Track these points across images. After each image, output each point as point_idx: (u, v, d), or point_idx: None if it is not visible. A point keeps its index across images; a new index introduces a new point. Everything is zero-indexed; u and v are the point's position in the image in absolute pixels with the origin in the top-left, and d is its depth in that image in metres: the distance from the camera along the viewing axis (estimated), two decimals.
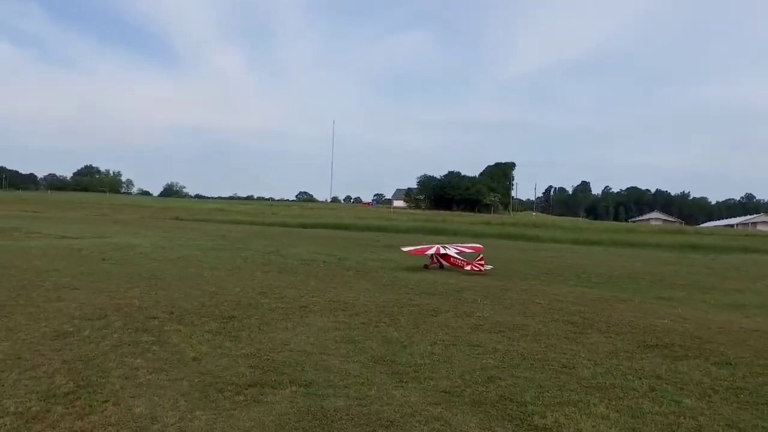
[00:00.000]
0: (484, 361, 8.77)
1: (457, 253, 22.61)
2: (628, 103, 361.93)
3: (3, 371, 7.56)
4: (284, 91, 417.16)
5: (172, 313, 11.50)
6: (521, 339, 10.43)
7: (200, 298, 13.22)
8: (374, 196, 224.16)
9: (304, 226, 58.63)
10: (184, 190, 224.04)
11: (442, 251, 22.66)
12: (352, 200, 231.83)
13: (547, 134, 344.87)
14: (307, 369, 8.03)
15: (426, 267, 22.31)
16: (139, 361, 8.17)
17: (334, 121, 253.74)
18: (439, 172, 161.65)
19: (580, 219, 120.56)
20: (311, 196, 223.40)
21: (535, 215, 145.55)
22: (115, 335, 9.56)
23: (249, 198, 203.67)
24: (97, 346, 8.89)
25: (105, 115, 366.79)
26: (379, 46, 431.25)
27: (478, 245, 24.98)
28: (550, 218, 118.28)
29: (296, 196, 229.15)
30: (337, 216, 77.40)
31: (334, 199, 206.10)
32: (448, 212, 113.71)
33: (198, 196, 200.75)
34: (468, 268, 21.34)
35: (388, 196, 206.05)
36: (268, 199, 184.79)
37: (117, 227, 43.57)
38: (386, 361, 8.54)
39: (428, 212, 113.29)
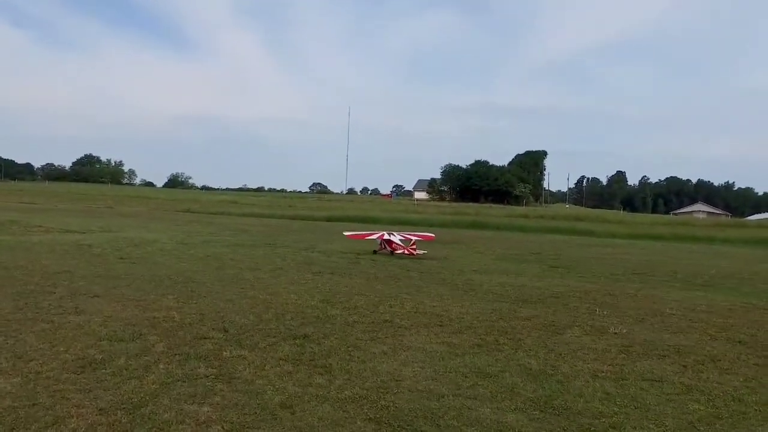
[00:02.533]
0: (689, 407, 6.52)
1: (400, 239, 23.92)
2: (667, 89, 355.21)
3: (14, 428, 5.44)
4: (297, 77, 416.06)
5: (226, 330, 9.35)
6: (703, 369, 8.15)
7: (254, 309, 11.07)
8: (393, 187, 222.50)
9: (329, 219, 56.49)
10: (190, 181, 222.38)
11: (386, 237, 24.07)
12: (369, 192, 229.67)
13: (579, 121, 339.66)
14: (453, 424, 5.80)
15: (375, 252, 23.50)
16: (205, 409, 5.99)
17: (349, 109, 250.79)
18: (463, 162, 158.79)
19: (621, 212, 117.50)
20: (326, 187, 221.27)
21: (568, 207, 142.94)
22: (160, 366, 7.41)
23: (259, 190, 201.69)
24: (140, 383, 6.74)
25: (106, 102, 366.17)
26: (399, 28, 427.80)
27: (430, 234, 27.46)
28: (586, 211, 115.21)
29: (310, 187, 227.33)
30: (360, 209, 75.27)
31: (351, 191, 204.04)
32: (477, 204, 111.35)
33: (205, 188, 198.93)
34: (400, 251, 22.94)
35: (408, 187, 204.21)
36: (280, 191, 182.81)
37: (125, 220, 41.66)
38: (554, 408, 6.32)
39: (455, 204, 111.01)
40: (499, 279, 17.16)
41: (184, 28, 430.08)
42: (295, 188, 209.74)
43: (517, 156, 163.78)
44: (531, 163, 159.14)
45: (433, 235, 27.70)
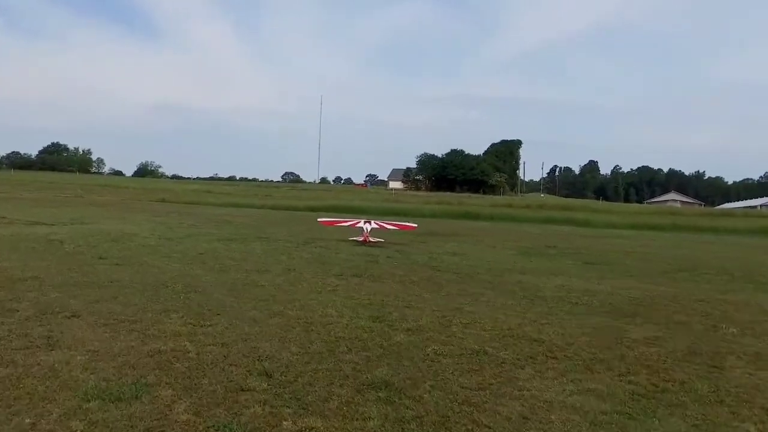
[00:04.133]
0: None
1: (370, 228, 23.05)
2: (639, 79, 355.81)
3: None
4: (269, 65, 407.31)
5: (269, 374, 6.39)
6: None
7: (291, 335, 8.11)
8: (366, 176, 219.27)
9: (312, 209, 53.37)
10: (160, 170, 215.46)
11: (359, 225, 23.64)
12: (342, 181, 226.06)
13: (552, 111, 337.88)
14: None
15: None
16: None
17: (321, 97, 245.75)
18: (437, 151, 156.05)
19: (600, 201, 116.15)
20: (298, 176, 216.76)
21: (543, 196, 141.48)
22: None
23: (231, 179, 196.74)
24: None
25: (73, 90, 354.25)
26: (374, 17, 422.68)
27: (412, 224, 26.34)
28: (570, 201, 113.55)
29: (282, 176, 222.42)
30: (342, 198, 72.23)
31: (323, 180, 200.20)
32: (454, 194, 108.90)
33: (175, 177, 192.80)
34: (357, 239, 22.32)
35: (382, 176, 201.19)
36: (252, 180, 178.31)
37: (97, 211, 38.11)
38: None
39: (432, 194, 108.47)
40: (552, 281, 14.44)
41: (152, 15, 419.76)
42: (267, 177, 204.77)
43: (493, 145, 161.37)
44: (506, 152, 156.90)
45: (415, 225, 26.44)
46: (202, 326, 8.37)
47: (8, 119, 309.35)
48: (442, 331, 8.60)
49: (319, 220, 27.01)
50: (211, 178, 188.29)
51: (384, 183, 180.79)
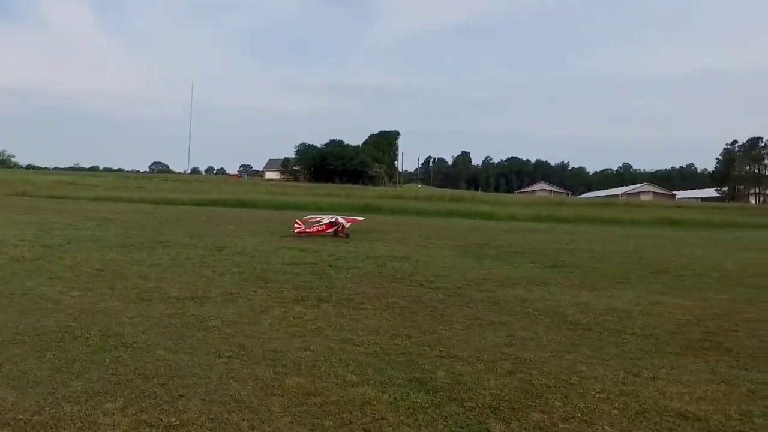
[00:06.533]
0: None
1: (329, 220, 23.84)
2: (509, 72, 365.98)
3: None
4: (135, 50, 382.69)
5: None
6: None
7: None
8: (241, 166, 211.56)
9: (198, 203, 48.59)
10: (13, 159, 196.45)
11: (325, 220, 24.07)
12: (214, 171, 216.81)
13: (426, 102, 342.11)
14: None
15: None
16: None
17: (192, 84, 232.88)
18: (316, 141, 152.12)
19: (479, 192, 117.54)
20: (167, 166, 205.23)
21: (420, 187, 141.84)
22: None
23: (94, 169, 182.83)
24: None
25: None
26: (249, 2, 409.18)
27: (359, 218, 27.15)
28: (456, 192, 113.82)
29: (149, 167, 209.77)
30: (225, 191, 67.25)
31: (194, 170, 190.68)
32: (335, 185, 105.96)
33: (31, 167, 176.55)
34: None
35: (256, 167, 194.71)
36: (117, 170, 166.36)
37: None
38: None
39: (313, 185, 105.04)
40: (557, 297, 11.85)
41: None
42: (133, 167, 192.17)
43: (372, 136, 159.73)
44: (385, 143, 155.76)
45: (362, 218, 27.39)
46: (170, 429, 4.86)
47: None
48: (566, 410, 5.58)
49: (305, 218, 25.32)
50: (72, 169, 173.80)
51: (260, 173, 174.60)
